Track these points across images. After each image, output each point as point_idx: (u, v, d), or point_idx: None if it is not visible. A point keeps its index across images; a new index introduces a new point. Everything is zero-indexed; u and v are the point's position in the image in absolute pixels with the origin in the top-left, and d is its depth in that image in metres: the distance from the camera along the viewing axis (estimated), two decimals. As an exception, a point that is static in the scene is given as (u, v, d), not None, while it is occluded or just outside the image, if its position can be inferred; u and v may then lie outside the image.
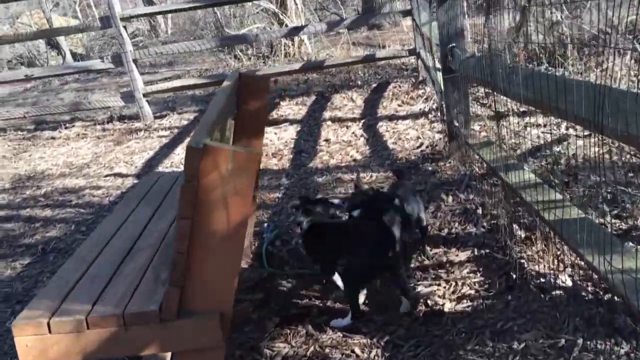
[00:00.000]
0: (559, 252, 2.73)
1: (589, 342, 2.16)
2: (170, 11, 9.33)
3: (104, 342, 1.94)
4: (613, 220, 3.22)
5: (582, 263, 2.23)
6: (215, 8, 11.11)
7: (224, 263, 2.00)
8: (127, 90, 7.90)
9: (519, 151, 4.60)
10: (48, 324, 1.96)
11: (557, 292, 2.55)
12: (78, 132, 7.79)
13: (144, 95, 7.56)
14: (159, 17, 16.71)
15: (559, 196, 2.76)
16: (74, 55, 15.19)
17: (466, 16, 4.47)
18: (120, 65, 7.48)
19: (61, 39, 14.48)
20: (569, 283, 2.57)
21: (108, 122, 8.07)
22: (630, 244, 2.99)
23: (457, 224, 3.59)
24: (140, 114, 7.63)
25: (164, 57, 11.77)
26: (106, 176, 5.84)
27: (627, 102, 1.61)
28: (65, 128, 8.02)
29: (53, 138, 7.69)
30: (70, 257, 2.46)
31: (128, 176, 5.76)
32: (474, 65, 3.62)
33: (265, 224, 3.93)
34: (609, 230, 2.53)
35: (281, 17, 9.87)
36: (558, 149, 4.39)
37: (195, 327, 1.98)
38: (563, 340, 2.24)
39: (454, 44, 4.19)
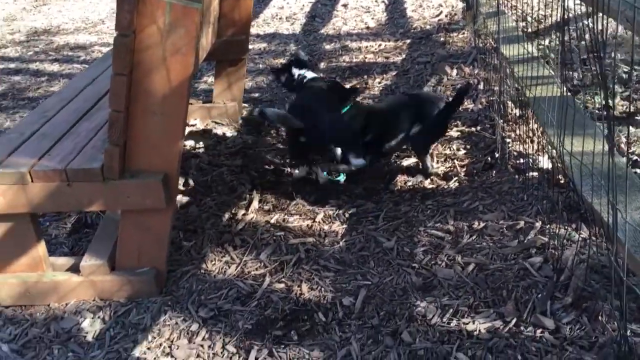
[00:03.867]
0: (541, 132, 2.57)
1: (547, 226, 2.07)
2: None
3: (48, 196, 1.95)
4: (621, 103, 3.00)
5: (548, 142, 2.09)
6: None
7: (167, 123, 1.93)
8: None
9: (542, 25, 4.25)
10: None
11: (533, 173, 2.43)
12: (99, -15, 7.57)
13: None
14: None
15: (549, 73, 2.55)
16: None
17: None
18: None
19: None
20: (548, 165, 2.43)
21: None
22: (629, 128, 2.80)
23: (455, 99, 3.41)
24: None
25: None
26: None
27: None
28: (88, -20, 7.80)
29: (74, -9, 7.51)
30: (32, 111, 2.43)
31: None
32: None
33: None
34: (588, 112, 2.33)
35: None
36: (586, 22, 4.01)
37: (138, 187, 1.96)
38: (522, 223, 2.16)
39: None
